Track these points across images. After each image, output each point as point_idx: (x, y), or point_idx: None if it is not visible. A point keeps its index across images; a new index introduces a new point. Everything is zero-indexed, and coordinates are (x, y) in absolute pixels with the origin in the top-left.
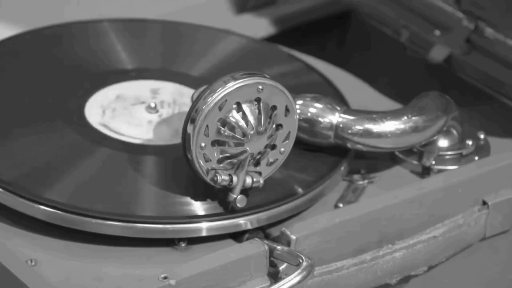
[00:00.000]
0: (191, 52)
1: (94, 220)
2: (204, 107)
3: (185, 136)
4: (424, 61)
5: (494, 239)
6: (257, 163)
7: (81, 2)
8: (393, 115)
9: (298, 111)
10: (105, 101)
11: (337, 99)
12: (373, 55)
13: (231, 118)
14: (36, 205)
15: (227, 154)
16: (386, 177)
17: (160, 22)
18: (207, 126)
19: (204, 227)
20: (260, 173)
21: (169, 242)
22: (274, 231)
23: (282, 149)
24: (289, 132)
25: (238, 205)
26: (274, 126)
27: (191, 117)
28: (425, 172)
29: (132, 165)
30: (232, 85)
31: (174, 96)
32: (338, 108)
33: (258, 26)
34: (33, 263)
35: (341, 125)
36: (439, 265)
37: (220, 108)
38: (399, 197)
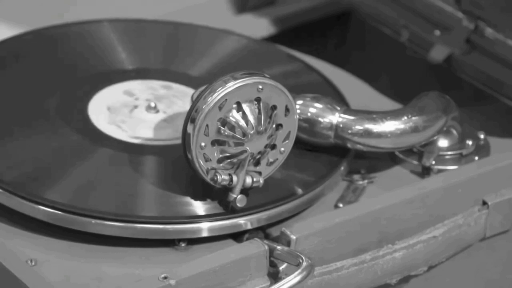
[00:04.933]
0: (191, 52)
1: (94, 221)
2: (204, 106)
3: (185, 135)
4: (424, 61)
5: (494, 239)
6: (257, 163)
7: (81, 3)
8: (393, 115)
9: (298, 111)
10: (105, 101)
11: (337, 99)
12: (373, 55)
13: (231, 118)
14: (37, 206)
15: (227, 154)
16: (386, 177)
17: (160, 22)
18: (207, 125)
19: (204, 227)
20: (260, 173)
21: (169, 242)
22: (274, 231)
23: (282, 149)
24: (289, 132)
25: (238, 204)
26: (274, 126)
27: (191, 117)
28: (425, 172)
29: (132, 165)
30: (232, 85)
31: (174, 96)
32: (338, 108)
33: (258, 26)
34: (33, 263)
35: (341, 125)
36: (439, 265)
37: (220, 108)
38: (399, 197)
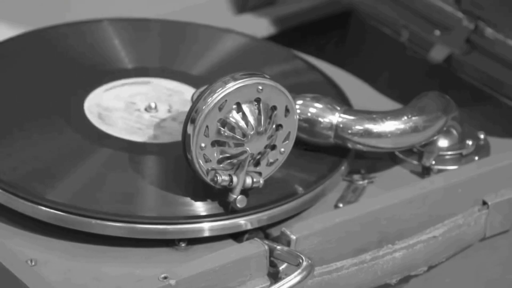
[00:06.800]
0: (191, 51)
1: (94, 221)
2: (204, 107)
3: (185, 136)
4: (424, 61)
5: (494, 239)
6: (257, 164)
7: (81, 2)
8: (393, 115)
9: (298, 111)
10: (106, 100)
11: (338, 98)
12: (373, 55)
13: (231, 119)
14: (37, 206)
15: (227, 155)
16: (386, 177)
17: (160, 21)
18: (207, 126)
19: (205, 228)
20: (260, 173)
21: (169, 242)
22: (274, 231)
23: (282, 149)
24: (289, 132)
25: (238, 205)
26: (274, 126)
27: (191, 118)
28: (425, 172)
29: (132, 165)
30: (232, 86)
31: (174, 96)
32: (338, 108)
33: (258, 26)
34: (33, 263)
35: (341, 125)
36: (439, 265)
37: (220, 109)
38: (399, 197)
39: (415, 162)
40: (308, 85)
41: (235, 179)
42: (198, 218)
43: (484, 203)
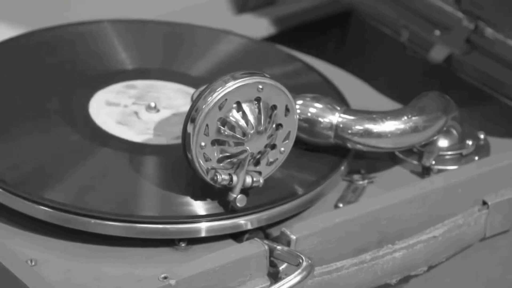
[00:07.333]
0: (191, 52)
1: (94, 221)
2: (204, 106)
3: (185, 135)
4: (424, 61)
5: (494, 239)
6: (257, 163)
7: (81, 2)
8: (393, 115)
9: (298, 111)
10: (106, 101)
11: (337, 99)
12: (373, 55)
13: (231, 118)
14: (37, 206)
15: (227, 154)
16: (386, 177)
17: (160, 23)
18: (207, 125)
19: (204, 227)
20: (260, 173)
21: (169, 242)
22: (274, 231)
23: (282, 149)
24: (289, 131)
25: (238, 204)
26: (274, 125)
27: (191, 117)
28: (425, 172)
29: (132, 165)
30: (232, 85)
31: (174, 96)
32: (338, 108)
33: (258, 26)
34: (33, 263)
35: (341, 125)
36: (439, 265)
37: (220, 108)
38: (399, 197)
39: (415, 162)
40: (307, 86)
41: (235, 178)
42: (198, 217)
43: (484, 203)
